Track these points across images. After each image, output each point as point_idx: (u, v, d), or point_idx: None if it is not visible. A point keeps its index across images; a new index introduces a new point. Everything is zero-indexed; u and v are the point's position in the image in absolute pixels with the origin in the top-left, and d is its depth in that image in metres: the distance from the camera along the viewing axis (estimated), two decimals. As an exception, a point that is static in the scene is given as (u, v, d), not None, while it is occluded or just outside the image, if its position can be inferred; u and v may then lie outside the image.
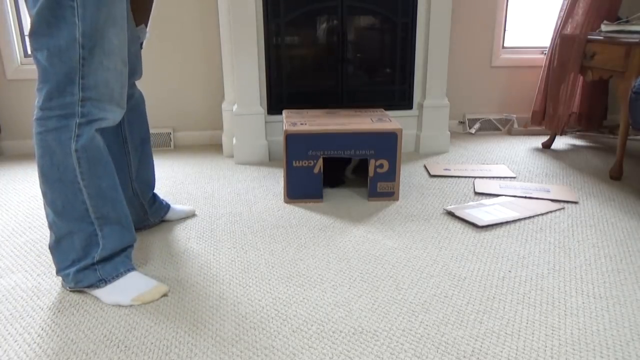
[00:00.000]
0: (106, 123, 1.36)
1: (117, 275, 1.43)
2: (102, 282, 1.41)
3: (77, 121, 1.30)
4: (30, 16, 1.25)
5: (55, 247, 1.40)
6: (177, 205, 2.07)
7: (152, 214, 1.85)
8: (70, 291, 1.46)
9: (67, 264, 1.41)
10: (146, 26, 1.63)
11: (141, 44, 1.65)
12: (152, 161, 1.80)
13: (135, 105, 1.68)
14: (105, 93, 1.32)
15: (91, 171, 1.34)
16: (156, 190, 2.27)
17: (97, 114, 1.33)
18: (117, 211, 1.42)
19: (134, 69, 1.62)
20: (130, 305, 1.40)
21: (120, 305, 1.40)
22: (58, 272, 1.43)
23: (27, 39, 1.35)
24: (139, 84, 2.87)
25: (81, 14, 1.22)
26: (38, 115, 1.31)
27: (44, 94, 1.28)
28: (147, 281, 1.45)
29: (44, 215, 2.01)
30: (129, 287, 1.42)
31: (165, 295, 1.44)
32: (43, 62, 1.26)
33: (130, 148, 1.69)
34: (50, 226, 1.39)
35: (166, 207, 1.91)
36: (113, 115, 1.37)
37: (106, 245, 1.40)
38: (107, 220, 1.40)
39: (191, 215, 1.99)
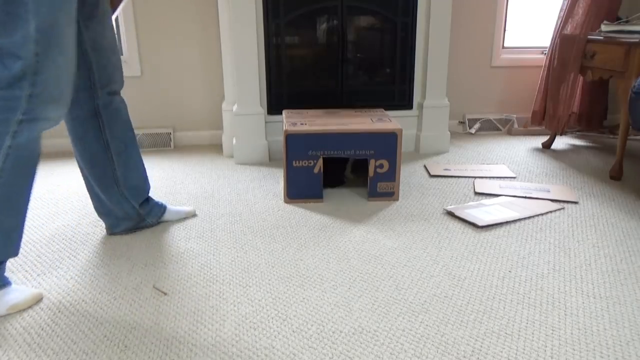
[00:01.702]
0: (49, 125, 1.36)
1: None
2: None
3: (20, 118, 1.28)
4: None
5: None
6: (177, 206, 2.07)
7: (147, 215, 1.85)
8: None
9: None
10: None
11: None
12: (142, 165, 1.79)
13: (115, 111, 1.67)
14: (53, 92, 1.32)
15: (13, 172, 1.30)
16: (156, 190, 2.27)
17: (41, 113, 1.32)
18: (11, 221, 1.34)
19: (113, 79, 1.63)
20: (6, 315, 1.36)
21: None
22: None
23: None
24: (138, 85, 2.87)
25: (34, 10, 1.22)
26: None
27: None
28: (21, 292, 1.40)
29: (44, 215, 2.01)
30: (5, 299, 1.37)
31: (40, 300, 1.42)
32: (1, 59, 1.26)
33: (113, 154, 1.69)
34: None
35: (162, 208, 1.91)
36: (56, 114, 1.36)
37: None
38: None
39: (191, 215, 1.99)
